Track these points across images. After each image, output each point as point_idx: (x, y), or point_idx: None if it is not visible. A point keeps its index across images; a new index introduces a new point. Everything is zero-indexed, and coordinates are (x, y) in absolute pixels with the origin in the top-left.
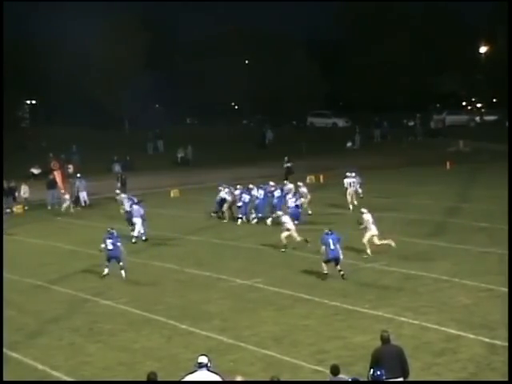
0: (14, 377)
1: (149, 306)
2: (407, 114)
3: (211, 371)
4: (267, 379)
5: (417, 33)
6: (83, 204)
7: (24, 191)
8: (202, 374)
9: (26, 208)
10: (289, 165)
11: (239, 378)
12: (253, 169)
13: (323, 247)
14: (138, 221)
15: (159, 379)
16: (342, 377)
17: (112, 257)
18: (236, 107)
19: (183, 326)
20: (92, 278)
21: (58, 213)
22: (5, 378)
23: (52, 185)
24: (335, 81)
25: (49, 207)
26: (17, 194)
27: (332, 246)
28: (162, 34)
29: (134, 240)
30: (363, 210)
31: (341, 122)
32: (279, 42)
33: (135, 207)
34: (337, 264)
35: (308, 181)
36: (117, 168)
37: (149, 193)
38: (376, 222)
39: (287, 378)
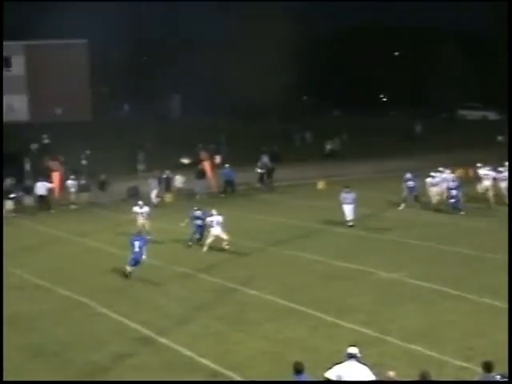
0: (162, 362)
1: (294, 297)
2: None
3: (360, 362)
4: (414, 373)
5: None
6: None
7: (179, 181)
8: (351, 365)
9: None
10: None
11: (392, 374)
12: (399, 161)
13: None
14: (348, 207)
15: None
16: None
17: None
18: (384, 99)
19: (328, 318)
20: (240, 268)
21: (206, 202)
22: (153, 363)
23: (201, 175)
24: (486, 73)
25: (197, 197)
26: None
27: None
28: (309, 25)
29: (350, 223)
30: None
31: (492, 115)
32: (429, 34)
33: (344, 195)
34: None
35: (457, 174)
36: (264, 159)
37: (296, 184)
38: None
39: (433, 373)
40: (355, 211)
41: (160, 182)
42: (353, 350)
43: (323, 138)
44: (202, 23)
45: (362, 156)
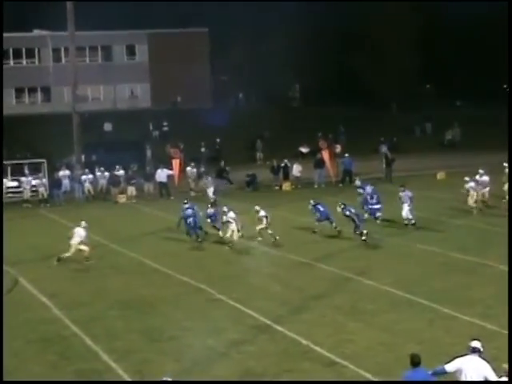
0: (279, 349)
1: (411, 288)
2: None
3: (482, 358)
4: None
5: None
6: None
7: (296, 170)
8: (473, 359)
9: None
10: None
11: None
12: None
13: None
14: (406, 207)
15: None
16: None
17: None
18: (508, 89)
19: (445, 310)
20: (355, 258)
21: (324, 191)
22: (270, 351)
23: (319, 164)
24: None
25: (315, 186)
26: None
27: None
28: (432, 14)
29: (406, 222)
30: None
31: None
32: None
33: (401, 194)
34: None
35: None
36: (383, 149)
37: (415, 175)
38: None
39: None
40: (412, 211)
41: (277, 171)
42: (476, 343)
43: (444, 128)
44: (320, 14)
45: (483, 147)
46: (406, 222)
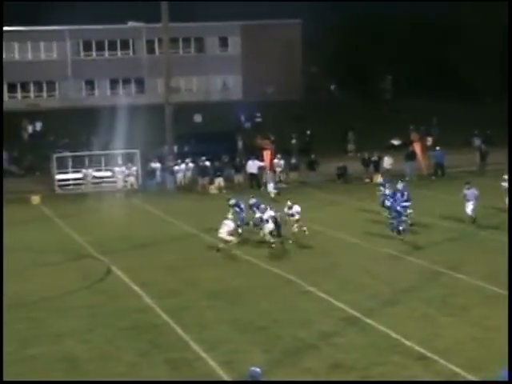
0: (368, 342)
1: (505, 284)
2: None
3: None
4: None
5: None
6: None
7: (387, 162)
8: None
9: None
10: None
11: None
12: None
13: None
14: (470, 204)
15: None
16: None
17: None
18: None
19: None
20: (445, 251)
21: (415, 184)
22: (359, 343)
23: (411, 156)
24: None
25: (407, 178)
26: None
27: None
28: None
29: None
30: None
31: None
32: None
33: (466, 191)
34: None
35: None
36: (477, 142)
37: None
38: None
39: None
40: (475, 208)
41: (368, 164)
42: None
43: None
44: (415, 6)
45: None
46: (470, 220)
